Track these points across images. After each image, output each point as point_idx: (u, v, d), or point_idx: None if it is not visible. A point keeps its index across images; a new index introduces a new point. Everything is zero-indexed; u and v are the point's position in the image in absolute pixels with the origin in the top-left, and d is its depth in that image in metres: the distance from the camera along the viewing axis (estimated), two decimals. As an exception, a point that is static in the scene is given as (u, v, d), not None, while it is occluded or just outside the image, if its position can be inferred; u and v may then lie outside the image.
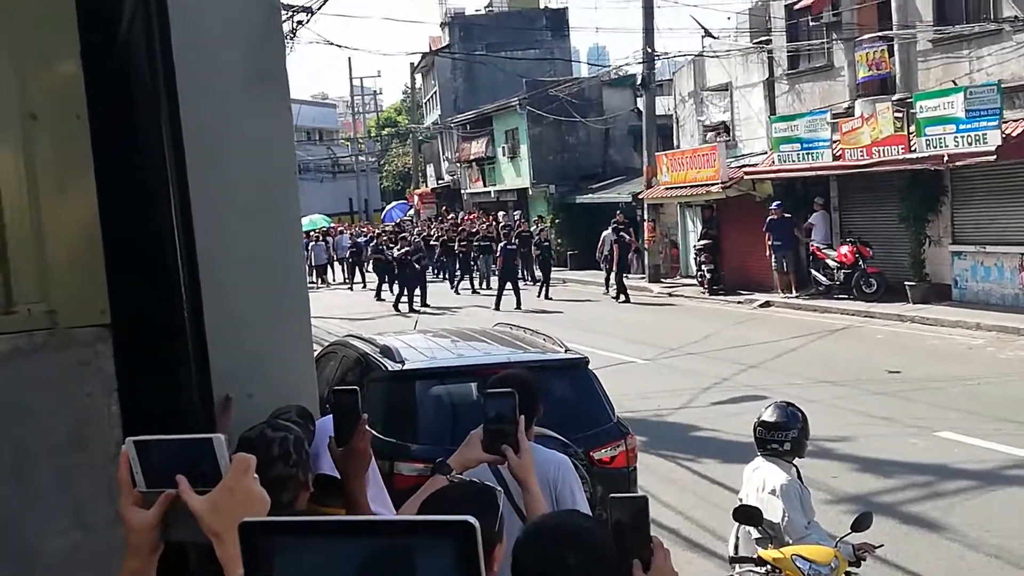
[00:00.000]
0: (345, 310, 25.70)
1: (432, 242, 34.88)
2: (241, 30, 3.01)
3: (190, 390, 2.55)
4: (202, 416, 2.57)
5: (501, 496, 2.73)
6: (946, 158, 17.64)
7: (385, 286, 28.79)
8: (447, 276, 33.22)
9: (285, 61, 3.19)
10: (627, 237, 25.91)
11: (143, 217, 2.48)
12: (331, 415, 2.98)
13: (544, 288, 27.04)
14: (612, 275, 25.70)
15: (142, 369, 2.54)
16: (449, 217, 42.57)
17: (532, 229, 31.34)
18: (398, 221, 46.94)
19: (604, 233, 26.69)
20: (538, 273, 28.62)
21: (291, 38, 20.84)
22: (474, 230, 33.14)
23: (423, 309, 25.25)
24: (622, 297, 25.19)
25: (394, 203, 56.77)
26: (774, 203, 22.73)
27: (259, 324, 3.01)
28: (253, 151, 3.01)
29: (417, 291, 26.03)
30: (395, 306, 25.75)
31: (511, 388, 3.23)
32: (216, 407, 2.85)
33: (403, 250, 26.18)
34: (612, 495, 2.38)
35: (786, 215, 22.39)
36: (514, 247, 26.53)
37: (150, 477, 1.74)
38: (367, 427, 2.92)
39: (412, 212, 52.12)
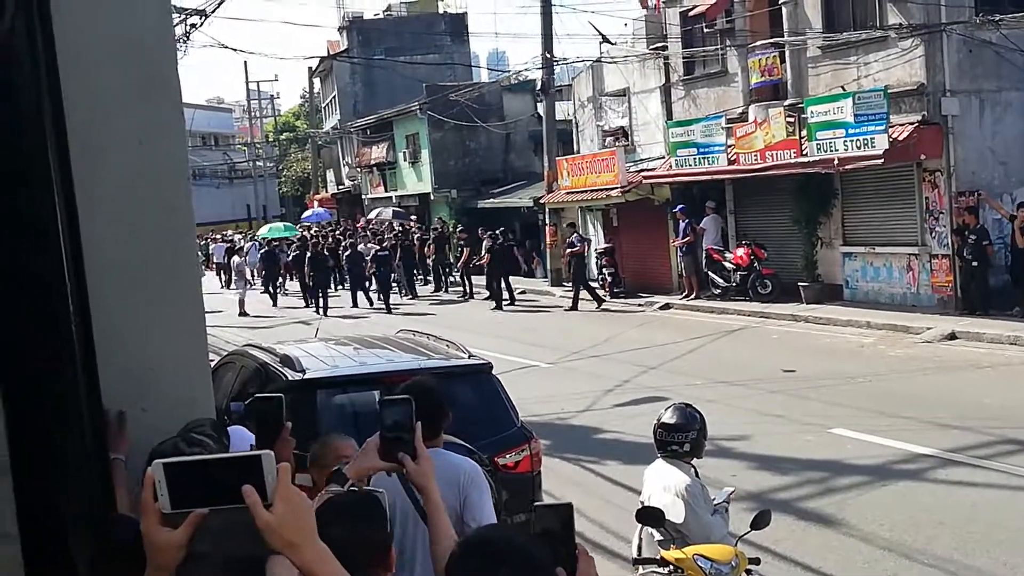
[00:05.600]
0: (241, 319, 25.26)
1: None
2: (130, 32, 2.92)
3: (79, 405, 2.45)
4: (92, 431, 2.48)
5: (384, 497, 2.71)
6: (836, 162, 18.14)
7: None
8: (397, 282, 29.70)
9: (177, 64, 3.11)
10: (579, 244, 24.82)
11: (26, 225, 2.37)
12: (236, 426, 2.92)
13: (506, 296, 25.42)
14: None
15: (27, 384, 2.43)
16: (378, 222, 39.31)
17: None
18: (323, 224, 45.90)
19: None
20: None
21: (184, 41, 20.41)
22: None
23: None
24: (568, 304, 24.00)
25: (311, 211, 54.04)
26: (679, 207, 23.06)
27: (151, 335, 2.92)
28: (143, 156, 2.92)
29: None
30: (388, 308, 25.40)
31: (408, 395, 3.20)
32: (110, 424, 2.76)
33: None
34: (537, 503, 2.36)
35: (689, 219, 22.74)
36: (386, 253, 26.34)
37: (177, 498, 1.80)
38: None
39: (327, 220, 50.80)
